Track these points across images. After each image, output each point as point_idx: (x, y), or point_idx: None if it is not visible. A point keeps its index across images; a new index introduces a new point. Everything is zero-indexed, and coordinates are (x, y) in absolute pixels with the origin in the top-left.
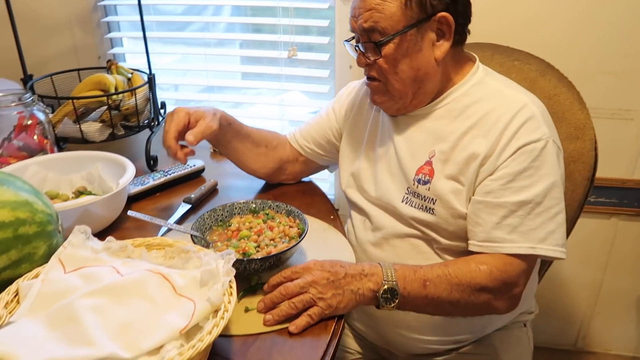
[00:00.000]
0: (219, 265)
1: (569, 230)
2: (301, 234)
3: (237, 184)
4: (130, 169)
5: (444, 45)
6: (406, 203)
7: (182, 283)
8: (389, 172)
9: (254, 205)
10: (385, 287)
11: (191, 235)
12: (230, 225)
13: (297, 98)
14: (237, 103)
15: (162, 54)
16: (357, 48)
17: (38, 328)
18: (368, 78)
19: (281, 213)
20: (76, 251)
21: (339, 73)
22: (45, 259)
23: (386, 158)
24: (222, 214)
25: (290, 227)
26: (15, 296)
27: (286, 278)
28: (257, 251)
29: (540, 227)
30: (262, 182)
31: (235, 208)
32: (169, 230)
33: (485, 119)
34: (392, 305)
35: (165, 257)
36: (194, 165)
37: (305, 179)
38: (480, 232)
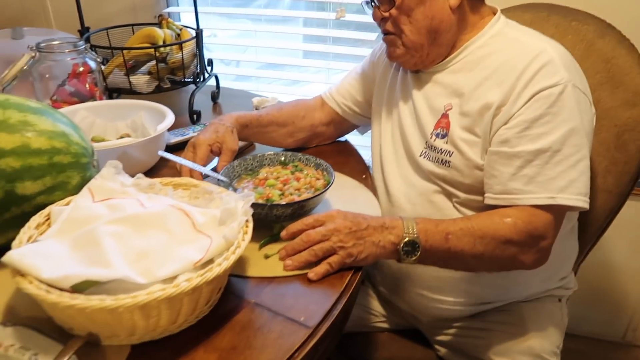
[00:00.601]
0: (238, 205)
1: (617, 208)
2: (327, 183)
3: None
4: (170, 116)
5: None
6: (424, 157)
7: (202, 220)
8: (410, 127)
9: (283, 157)
10: (407, 239)
11: (219, 181)
12: (258, 175)
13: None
14: (295, 81)
15: (223, 30)
16: (372, 3)
17: (62, 248)
18: (384, 33)
19: (310, 166)
20: (105, 183)
21: None
22: (78, 188)
23: (406, 114)
24: (252, 164)
25: (317, 179)
26: (47, 219)
27: (308, 225)
28: (281, 199)
29: (559, 175)
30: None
31: (266, 159)
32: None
33: (501, 69)
34: (413, 258)
35: (190, 196)
36: None
37: (341, 139)
38: (496, 184)
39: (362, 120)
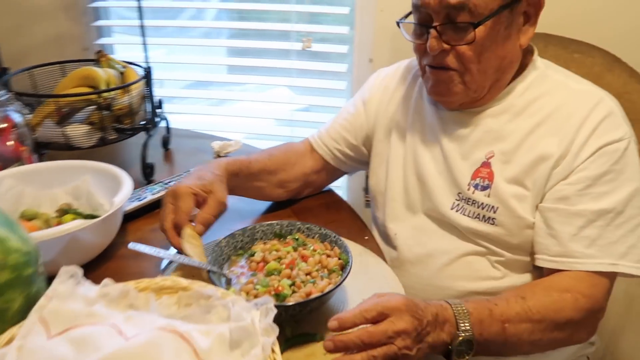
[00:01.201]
0: (255, 319)
1: None
2: (343, 266)
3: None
4: (127, 183)
5: (529, 31)
6: (457, 211)
7: (206, 345)
8: (435, 175)
9: (278, 228)
10: (461, 338)
11: (208, 271)
12: (253, 255)
13: (286, 94)
14: (227, 100)
15: (154, 45)
16: (428, 30)
17: None
18: (435, 67)
19: (314, 238)
20: (63, 304)
21: (358, 68)
22: (22, 314)
23: (431, 159)
24: (241, 240)
25: (328, 256)
26: None
27: (369, 319)
28: (293, 291)
29: (620, 240)
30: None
31: (257, 232)
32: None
33: (556, 115)
34: (466, 357)
35: (179, 304)
36: None
37: (325, 188)
38: (553, 245)
39: (357, 167)
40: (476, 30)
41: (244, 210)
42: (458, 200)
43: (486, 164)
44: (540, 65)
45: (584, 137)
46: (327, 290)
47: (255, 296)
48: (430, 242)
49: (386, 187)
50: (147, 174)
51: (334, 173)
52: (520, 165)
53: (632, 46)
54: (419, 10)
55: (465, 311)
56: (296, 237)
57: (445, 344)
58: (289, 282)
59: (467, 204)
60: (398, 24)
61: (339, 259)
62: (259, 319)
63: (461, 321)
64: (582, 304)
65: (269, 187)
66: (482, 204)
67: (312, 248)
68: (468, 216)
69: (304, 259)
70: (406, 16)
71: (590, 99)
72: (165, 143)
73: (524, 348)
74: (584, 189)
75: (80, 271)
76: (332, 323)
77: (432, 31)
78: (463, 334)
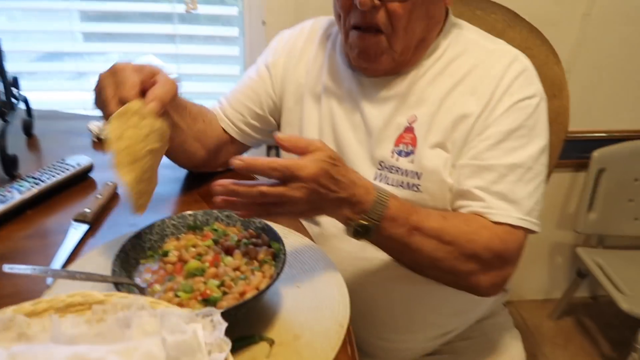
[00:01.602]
0: (198, 331)
1: None
2: (275, 255)
3: None
4: None
5: None
6: (380, 181)
7: None
8: (355, 144)
9: (192, 219)
10: (363, 222)
11: (115, 283)
12: (166, 255)
13: (157, 62)
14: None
15: None
16: None
17: None
18: (362, 29)
19: (235, 226)
20: None
21: (250, 31)
22: None
23: (350, 126)
24: (149, 239)
25: (255, 245)
26: None
27: (271, 170)
28: (224, 292)
29: (529, 196)
30: (176, 181)
31: (167, 227)
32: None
33: (472, 75)
34: (359, 238)
35: (90, 321)
36: (78, 165)
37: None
38: (468, 200)
39: (265, 140)
40: None
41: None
42: (380, 169)
43: (409, 129)
44: (455, 25)
45: (499, 94)
46: (264, 286)
47: (179, 305)
48: None
49: None
50: (9, 169)
51: (240, 148)
52: (442, 127)
53: (530, 3)
54: None
55: (387, 202)
56: (215, 228)
57: (346, 218)
58: (217, 282)
59: (391, 172)
60: None
61: (269, 246)
62: (203, 332)
63: (375, 210)
64: (495, 245)
65: (190, 136)
66: (406, 170)
67: (235, 239)
68: (392, 185)
69: (229, 252)
70: None
71: (505, 58)
72: (28, 129)
73: (422, 261)
74: (497, 144)
75: None
76: (237, 162)
77: None
78: (368, 221)
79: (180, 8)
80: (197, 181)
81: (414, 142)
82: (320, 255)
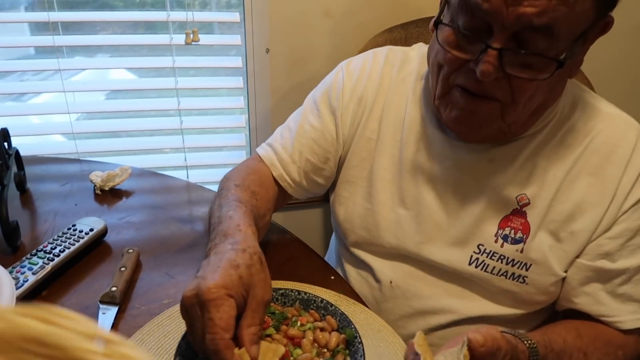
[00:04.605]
0: None
1: None
2: (349, 340)
3: (161, 242)
4: (4, 277)
5: (580, 59)
6: (477, 266)
7: None
8: (443, 218)
9: None
10: None
11: None
12: None
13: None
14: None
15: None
16: (486, 47)
17: None
18: (471, 93)
19: (292, 306)
20: None
21: (254, 60)
22: None
23: (431, 197)
24: None
25: (322, 329)
26: None
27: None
28: None
29: None
30: (198, 234)
31: None
32: None
33: (595, 150)
34: None
35: None
36: (91, 230)
37: None
38: (591, 304)
39: (315, 192)
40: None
41: (164, 262)
42: (478, 253)
43: (519, 212)
44: (569, 86)
45: (629, 183)
46: None
47: None
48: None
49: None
50: (12, 241)
51: (284, 201)
52: (559, 215)
53: None
54: (472, 13)
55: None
56: (272, 311)
57: None
58: None
59: (492, 259)
60: (436, 24)
61: (338, 330)
62: None
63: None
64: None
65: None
66: (513, 260)
67: (298, 324)
68: (492, 273)
69: (296, 341)
70: (441, 13)
71: (630, 131)
72: (21, 184)
73: None
74: (625, 242)
75: None
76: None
77: (492, 52)
78: None
79: (179, 39)
80: None
81: (525, 228)
82: (385, 327)
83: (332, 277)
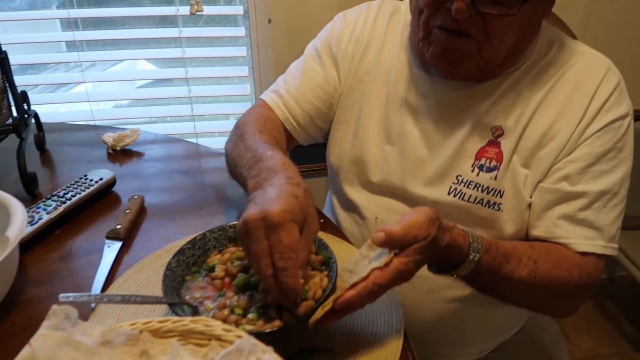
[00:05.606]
0: None
1: None
2: (324, 263)
3: (165, 192)
4: (18, 210)
5: None
6: (455, 196)
7: None
8: (425, 153)
9: (232, 231)
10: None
11: (169, 305)
12: (212, 270)
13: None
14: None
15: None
16: None
17: None
18: (451, 32)
19: None
20: (57, 353)
21: (257, 31)
22: None
23: (420, 133)
24: (192, 254)
25: None
26: None
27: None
28: None
29: (613, 222)
30: (199, 185)
31: (209, 241)
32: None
33: (563, 82)
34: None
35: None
36: (101, 179)
37: None
38: (551, 227)
39: (316, 137)
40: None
41: (166, 208)
42: (457, 183)
43: (494, 143)
44: (547, 32)
45: (593, 112)
46: (328, 284)
47: (236, 323)
48: None
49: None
50: (30, 188)
51: (288, 148)
52: (529, 143)
53: None
54: None
55: (477, 260)
56: None
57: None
58: None
59: (469, 187)
60: None
61: (316, 254)
62: None
63: (466, 267)
64: (583, 282)
65: None
66: (487, 187)
67: None
68: (469, 202)
69: None
70: None
71: (599, 67)
72: (40, 144)
73: (508, 301)
74: (586, 167)
75: (75, 312)
76: (379, 235)
77: None
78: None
79: (185, 10)
80: (231, 188)
81: (499, 157)
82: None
83: (322, 220)
